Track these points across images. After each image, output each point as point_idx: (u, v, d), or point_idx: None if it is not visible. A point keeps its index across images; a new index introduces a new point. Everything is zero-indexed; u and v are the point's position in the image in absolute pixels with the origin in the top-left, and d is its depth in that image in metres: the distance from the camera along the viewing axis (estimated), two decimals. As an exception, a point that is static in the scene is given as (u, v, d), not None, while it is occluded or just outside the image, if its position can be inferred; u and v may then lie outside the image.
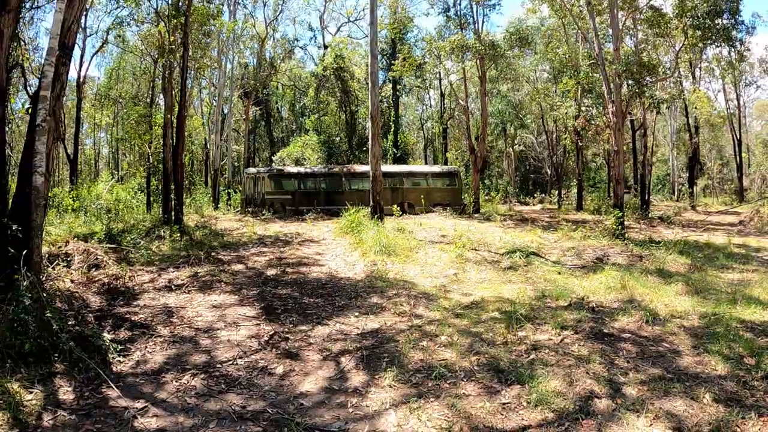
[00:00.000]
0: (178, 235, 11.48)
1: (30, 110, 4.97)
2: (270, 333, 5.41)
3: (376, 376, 4.23)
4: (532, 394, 3.73)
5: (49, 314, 4.11)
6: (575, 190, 24.66)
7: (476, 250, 10.36)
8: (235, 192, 25.27)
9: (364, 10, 33.18)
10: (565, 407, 3.55)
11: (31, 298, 4.33)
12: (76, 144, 21.91)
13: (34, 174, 4.66)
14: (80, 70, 24.07)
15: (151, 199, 20.35)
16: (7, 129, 5.13)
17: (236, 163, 33.66)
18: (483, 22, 22.85)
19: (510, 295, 6.80)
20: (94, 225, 10.94)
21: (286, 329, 5.54)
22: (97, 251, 8.11)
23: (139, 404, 3.68)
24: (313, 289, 7.44)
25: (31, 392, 3.55)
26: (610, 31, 13.85)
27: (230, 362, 4.61)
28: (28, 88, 16.13)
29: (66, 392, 3.72)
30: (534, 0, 17.24)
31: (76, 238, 8.83)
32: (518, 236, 12.23)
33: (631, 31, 18.51)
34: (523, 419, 3.46)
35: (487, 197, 25.39)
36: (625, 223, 14.24)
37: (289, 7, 34.45)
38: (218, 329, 5.54)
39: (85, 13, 22.69)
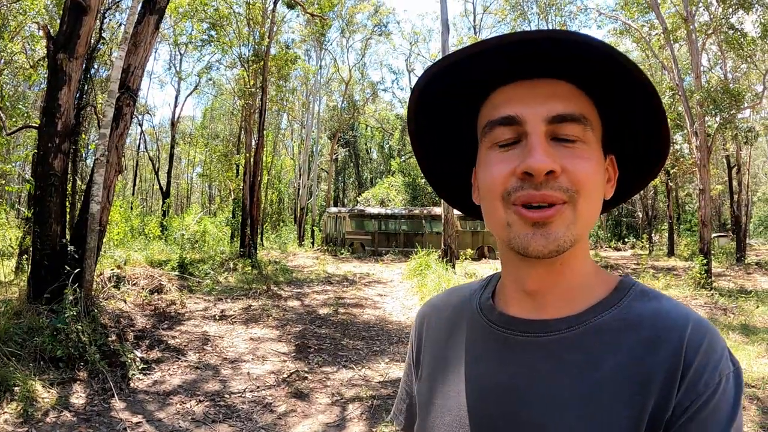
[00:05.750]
0: (250, 268, 12.10)
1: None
2: (291, 371, 5.47)
3: (374, 429, 4.08)
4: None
5: (80, 326, 4.54)
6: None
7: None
8: (320, 230, 26.32)
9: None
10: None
11: (76, 311, 4.81)
12: (169, 178, 24.28)
13: (91, 202, 5.28)
14: (174, 110, 27.25)
15: (236, 232, 21.83)
16: (81, 163, 5.98)
17: (324, 203, 35.19)
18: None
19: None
20: (173, 253, 11.91)
21: (309, 369, 5.57)
22: (161, 277, 8.83)
23: (136, 419, 3.88)
24: (357, 332, 7.43)
25: (49, 392, 3.93)
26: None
27: (239, 394, 4.71)
28: (100, 126, 18.42)
29: (79, 397, 4.05)
30: (616, 34, 16.57)
31: (149, 264, 9.68)
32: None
33: (720, 61, 17.16)
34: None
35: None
36: (717, 270, 12.79)
37: (376, 51, 36.21)
38: (244, 361, 5.71)
39: (180, 59, 25.55)
